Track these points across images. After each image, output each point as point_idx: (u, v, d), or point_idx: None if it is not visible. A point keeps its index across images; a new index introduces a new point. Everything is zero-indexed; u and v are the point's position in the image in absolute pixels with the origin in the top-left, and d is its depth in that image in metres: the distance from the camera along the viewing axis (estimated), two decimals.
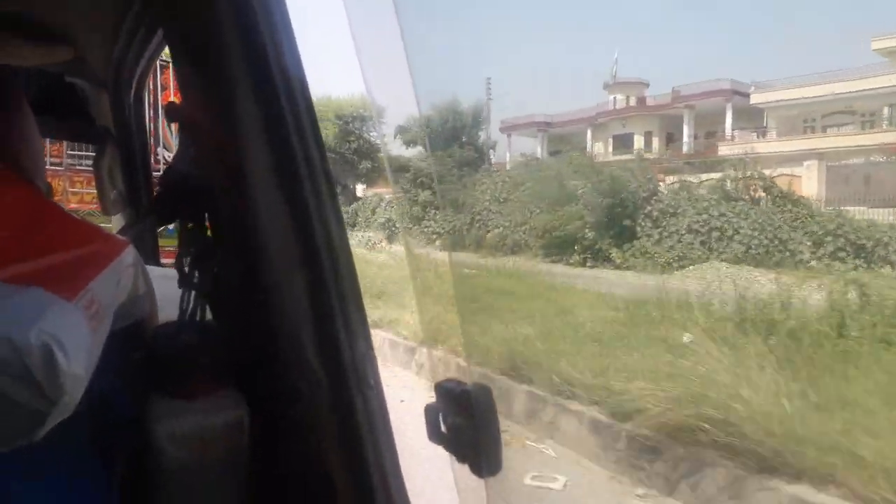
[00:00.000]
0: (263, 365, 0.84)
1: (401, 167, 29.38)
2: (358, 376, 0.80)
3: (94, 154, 1.80)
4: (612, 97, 41.02)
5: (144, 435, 0.79)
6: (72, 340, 0.60)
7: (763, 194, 18.37)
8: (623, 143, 37.87)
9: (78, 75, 1.66)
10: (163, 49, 1.48)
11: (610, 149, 38.31)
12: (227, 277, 0.88)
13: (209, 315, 0.92)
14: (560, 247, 19.34)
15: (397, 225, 27.67)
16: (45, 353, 0.57)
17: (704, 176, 22.21)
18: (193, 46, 0.88)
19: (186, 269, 0.90)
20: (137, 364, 0.88)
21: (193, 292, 0.90)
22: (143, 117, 1.73)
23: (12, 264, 0.63)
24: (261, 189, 0.82)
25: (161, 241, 1.86)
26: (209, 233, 0.90)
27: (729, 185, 19.04)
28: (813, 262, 14.78)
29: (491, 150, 38.90)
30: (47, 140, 4.91)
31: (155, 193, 1.00)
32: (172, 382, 0.84)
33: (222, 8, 0.79)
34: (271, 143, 0.81)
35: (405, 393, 5.19)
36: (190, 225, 0.90)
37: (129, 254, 0.76)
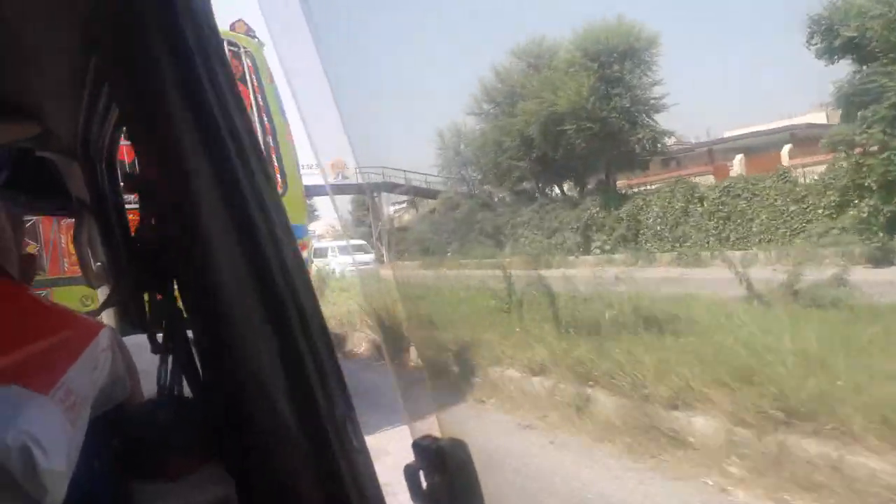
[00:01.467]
0: (244, 436, 0.81)
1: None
2: (341, 440, 0.77)
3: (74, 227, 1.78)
4: None
5: None
6: (50, 436, 0.59)
7: None
8: None
9: (48, 149, 1.65)
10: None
11: None
12: (201, 347, 0.86)
13: (187, 387, 0.89)
14: None
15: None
16: (23, 453, 0.56)
17: None
18: (143, 114, 0.86)
19: (160, 341, 0.88)
20: (119, 449, 0.85)
21: (170, 366, 0.87)
22: (118, 185, 1.71)
23: None
24: (223, 251, 0.80)
25: None
26: (179, 303, 0.88)
27: None
28: None
29: None
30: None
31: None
32: (154, 464, 0.81)
33: (167, 74, 0.78)
34: (229, 205, 0.79)
35: None
36: (158, 296, 0.87)
37: (105, 336, 0.74)
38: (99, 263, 1.78)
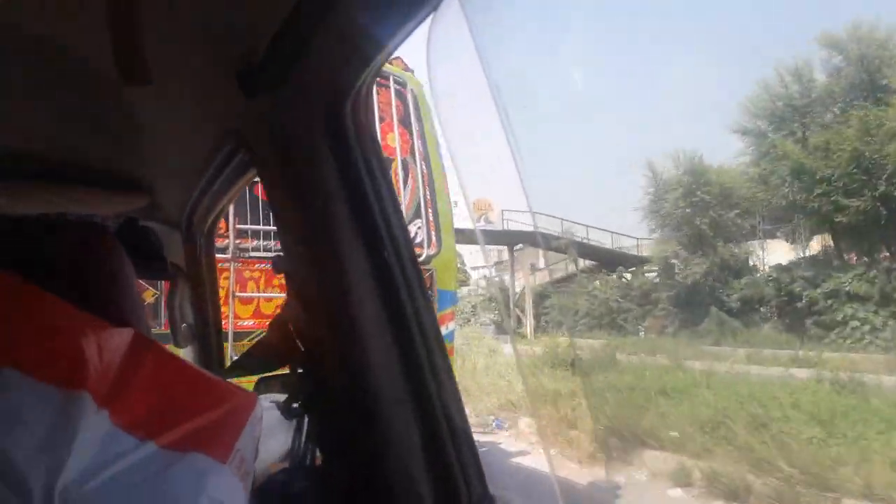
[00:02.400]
0: None
1: None
2: None
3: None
4: None
5: None
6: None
7: None
8: None
9: (151, 219, 1.78)
10: (237, 193, 1.59)
11: None
12: (338, 422, 0.92)
13: (319, 458, 0.95)
14: None
15: None
16: None
17: None
18: (291, 192, 0.95)
19: (297, 414, 0.94)
20: None
21: (304, 437, 0.93)
22: (214, 255, 1.84)
23: (168, 429, 0.68)
24: (367, 333, 0.88)
25: None
26: (317, 377, 0.95)
27: None
28: None
29: None
30: None
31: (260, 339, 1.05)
32: None
33: (322, 157, 0.87)
34: (376, 288, 0.87)
35: None
36: (300, 370, 0.94)
37: (260, 407, 0.80)
38: (185, 325, 1.88)
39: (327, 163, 0.87)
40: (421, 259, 5.53)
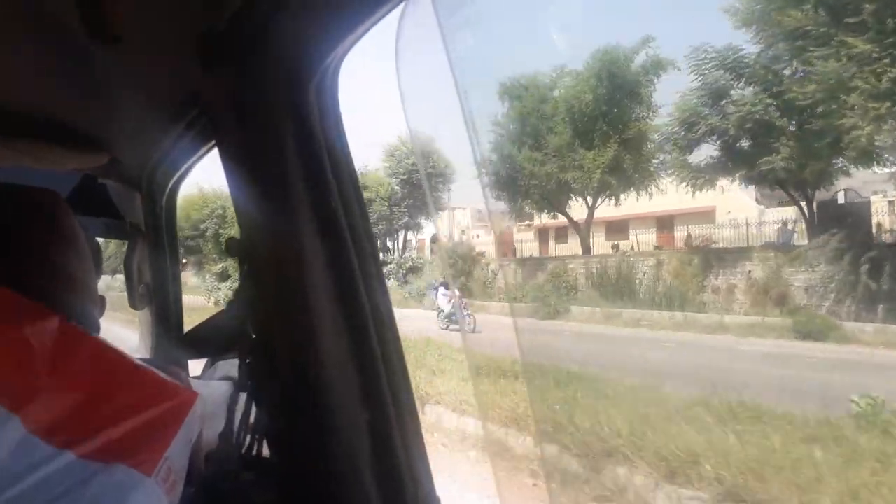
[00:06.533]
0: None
1: None
2: None
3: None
4: None
5: None
6: None
7: None
8: None
9: (111, 177, 1.71)
10: (202, 156, 1.52)
11: None
12: (286, 414, 0.89)
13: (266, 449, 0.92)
14: None
15: None
16: None
17: None
18: (250, 170, 0.91)
19: (243, 402, 0.92)
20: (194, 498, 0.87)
21: (251, 426, 0.91)
22: (175, 217, 1.78)
23: (89, 437, 0.63)
24: (321, 324, 0.85)
25: None
26: (267, 365, 0.92)
27: None
28: None
29: None
30: None
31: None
32: None
33: (282, 138, 0.83)
34: (333, 277, 0.84)
35: None
36: (248, 360, 0.91)
37: (198, 406, 0.75)
38: (143, 285, 1.83)
39: (288, 145, 0.82)
40: None
